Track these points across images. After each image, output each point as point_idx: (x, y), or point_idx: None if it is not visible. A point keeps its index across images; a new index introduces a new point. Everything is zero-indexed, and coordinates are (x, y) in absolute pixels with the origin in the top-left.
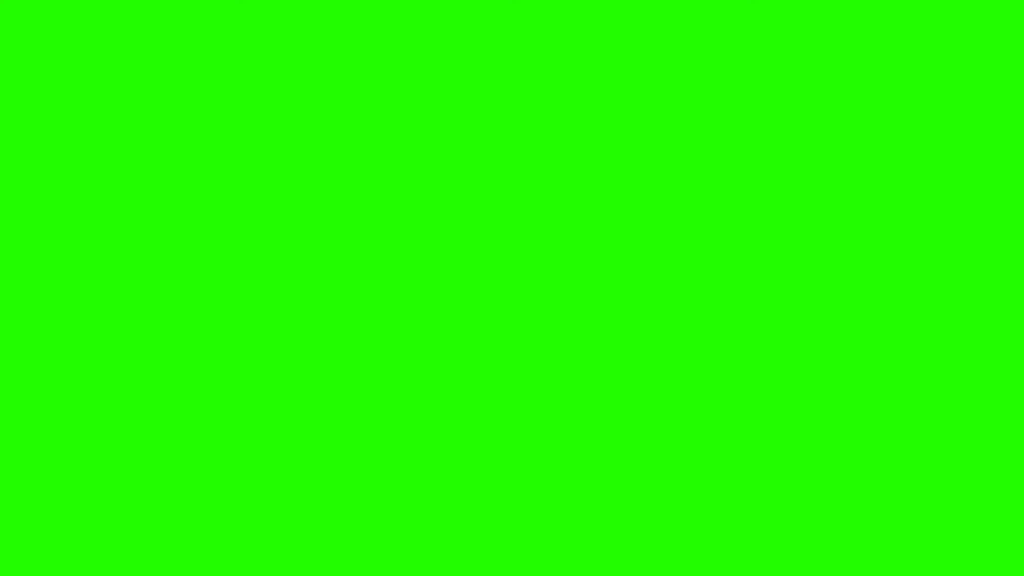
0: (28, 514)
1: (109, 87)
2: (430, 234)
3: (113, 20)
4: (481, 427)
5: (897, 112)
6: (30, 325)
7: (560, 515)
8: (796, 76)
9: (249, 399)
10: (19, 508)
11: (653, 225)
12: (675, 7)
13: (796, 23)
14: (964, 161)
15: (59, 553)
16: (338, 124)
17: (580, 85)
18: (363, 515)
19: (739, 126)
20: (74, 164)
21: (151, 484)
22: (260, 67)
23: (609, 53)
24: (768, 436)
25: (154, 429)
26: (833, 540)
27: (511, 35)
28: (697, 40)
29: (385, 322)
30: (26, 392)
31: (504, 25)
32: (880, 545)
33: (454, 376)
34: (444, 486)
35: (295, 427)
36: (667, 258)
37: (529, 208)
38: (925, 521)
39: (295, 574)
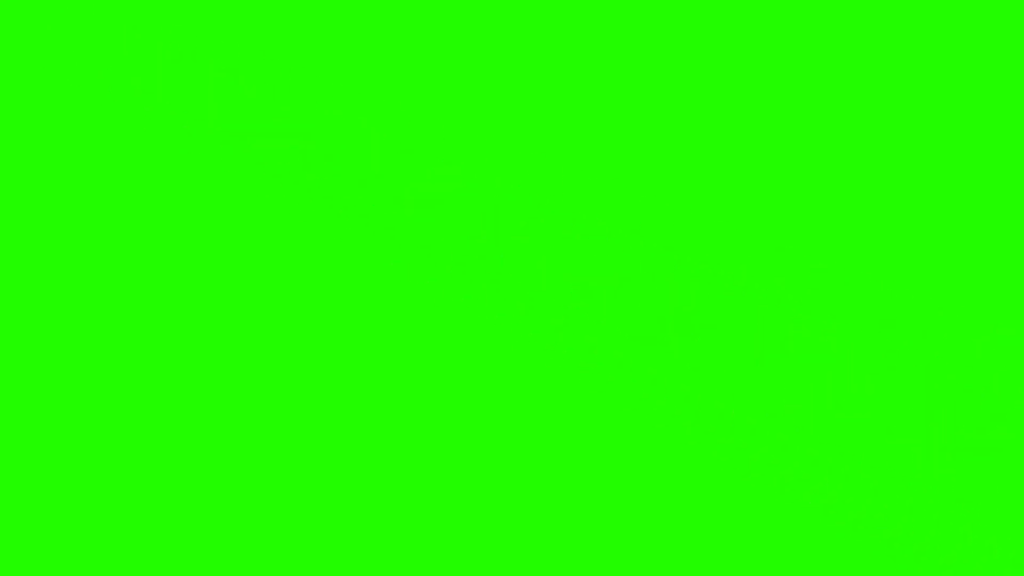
0: (28, 514)
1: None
2: (429, 235)
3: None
4: (480, 427)
5: (897, 112)
6: (30, 325)
7: (558, 515)
8: (796, 76)
9: (248, 399)
10: (19, 508)
11: (653, 225)
12: (675, 7)
13: (796, 23)
14: (964, 161)
15: (59, 553)
16: (336, 124)
17: (580, 86)
18: (361, 515)
19: (739, 126)
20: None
21: (150, 483)
22: (259, 67)
23: (609, 53)
24: (767, 436)
25: (152, 428)
26: (833, 540)
27: (511, 35)
28: (697, 40)
29: (384, 323)
30: (26, 392)
31: (504, 25)
32: (880, 545)
33: (453, 376)
34: (442, 486)
35: (293, 426)
36: (666, 258)
37: (528, 209)
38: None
39: (295, 574)
